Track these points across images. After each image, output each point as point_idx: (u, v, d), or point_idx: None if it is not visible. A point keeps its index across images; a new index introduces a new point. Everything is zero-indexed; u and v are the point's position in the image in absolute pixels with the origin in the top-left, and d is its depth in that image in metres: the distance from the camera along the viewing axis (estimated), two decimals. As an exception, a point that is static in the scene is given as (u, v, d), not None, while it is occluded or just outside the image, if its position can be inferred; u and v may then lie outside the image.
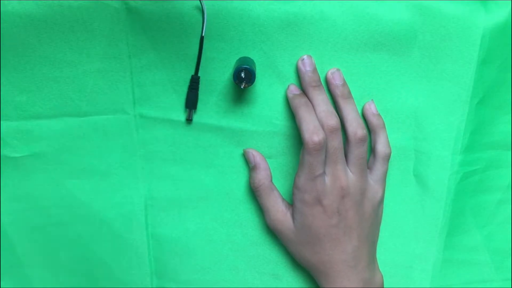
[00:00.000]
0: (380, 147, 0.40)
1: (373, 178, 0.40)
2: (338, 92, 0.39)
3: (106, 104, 0.40)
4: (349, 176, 0.38)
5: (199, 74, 0.39)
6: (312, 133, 0.36)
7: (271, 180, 0.41)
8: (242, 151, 0.42)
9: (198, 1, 0.36)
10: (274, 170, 0.42)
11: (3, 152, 0.41)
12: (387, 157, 0.40)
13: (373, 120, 0.40)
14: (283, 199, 0.41)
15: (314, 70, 0.39)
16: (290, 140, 0.41)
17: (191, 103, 0.40)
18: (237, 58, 0.39)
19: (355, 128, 0.38)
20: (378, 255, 0.43)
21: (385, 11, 0.37)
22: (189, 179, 0.42)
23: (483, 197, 0.44)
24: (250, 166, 0.41)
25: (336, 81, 0.39)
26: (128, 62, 0.39)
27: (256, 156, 0.41)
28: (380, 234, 0.43)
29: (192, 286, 0.45)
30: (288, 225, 0.40)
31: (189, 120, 0.40)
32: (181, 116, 0.41)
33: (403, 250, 0.44)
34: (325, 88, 0.40)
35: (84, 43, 0.38)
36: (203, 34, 0.37)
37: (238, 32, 0.38)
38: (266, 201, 0.41)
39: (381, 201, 0.41)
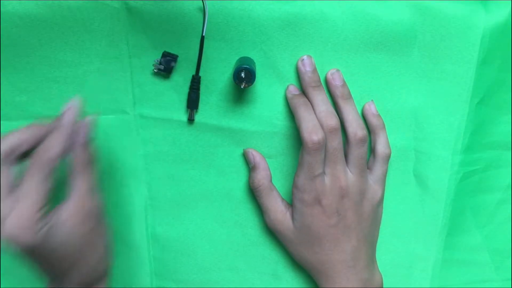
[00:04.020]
0: (380, 148, 0.40)
1: (373, 179, 0.40)
2: (338, 92, 0.39)
3: (106, 104, 0.40)
4: (348, 176, 0.38)
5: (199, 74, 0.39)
6: (311, 132, 0.36)
7: (271, 180, 0.41)
8: (242, 151, 0.42)
9: (198, 1, 0.36)
10: (274, 170, 0.42)
11: (3, 152, 0.41)
12: (387, 158, 0.40)
13: (373, 121, 0.40)
14: (283, 199, 0.41)
15: (314, 70, 0.38)
16: (290, 140, 0.41)
17: (193, 103, 0.40)
18: (237, 58, 0.39)
19: (355, 128, 0.38)
20: (378, 255, 0.43)
21: (385, 11, 0.37)
22: (189, 179, 0.42)
23: (483, 197, 0.44)
24: (250, 166, 0.41)
25: (336, 82, 0.39)
26: (128, 62, 0.39)
27: (256, 156, 0.41)
28: (380, 234, 0.43)
29: (192, 286, 0.45)
30: (287, 225, 0.40)
31: (191, 120, 0.40)
32: (181, 116, 0.40)
33: (403, 250, 0.44)
34: (325, 88, 0.40)
35: (84, 43, 0.38)
36: (203, 34, 0.37)
37: (238, 32, 0.38)
38: (265, 201, 0.41)
39: (380, 201, 0.41)
